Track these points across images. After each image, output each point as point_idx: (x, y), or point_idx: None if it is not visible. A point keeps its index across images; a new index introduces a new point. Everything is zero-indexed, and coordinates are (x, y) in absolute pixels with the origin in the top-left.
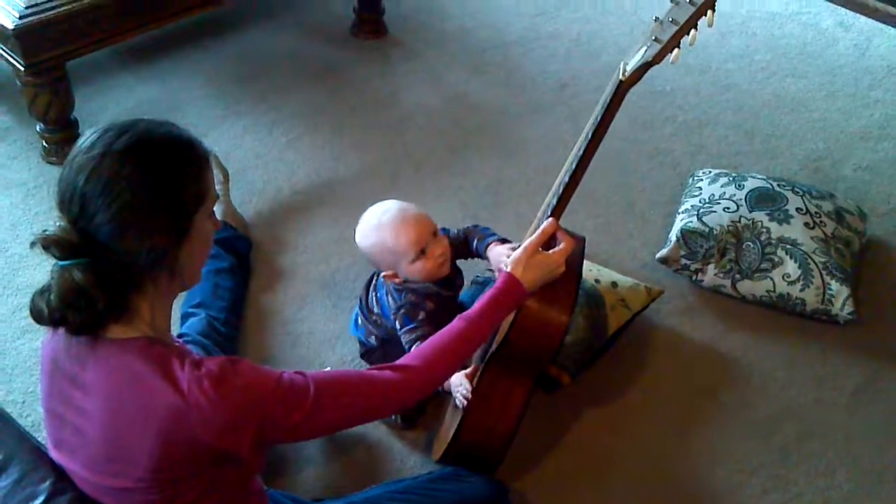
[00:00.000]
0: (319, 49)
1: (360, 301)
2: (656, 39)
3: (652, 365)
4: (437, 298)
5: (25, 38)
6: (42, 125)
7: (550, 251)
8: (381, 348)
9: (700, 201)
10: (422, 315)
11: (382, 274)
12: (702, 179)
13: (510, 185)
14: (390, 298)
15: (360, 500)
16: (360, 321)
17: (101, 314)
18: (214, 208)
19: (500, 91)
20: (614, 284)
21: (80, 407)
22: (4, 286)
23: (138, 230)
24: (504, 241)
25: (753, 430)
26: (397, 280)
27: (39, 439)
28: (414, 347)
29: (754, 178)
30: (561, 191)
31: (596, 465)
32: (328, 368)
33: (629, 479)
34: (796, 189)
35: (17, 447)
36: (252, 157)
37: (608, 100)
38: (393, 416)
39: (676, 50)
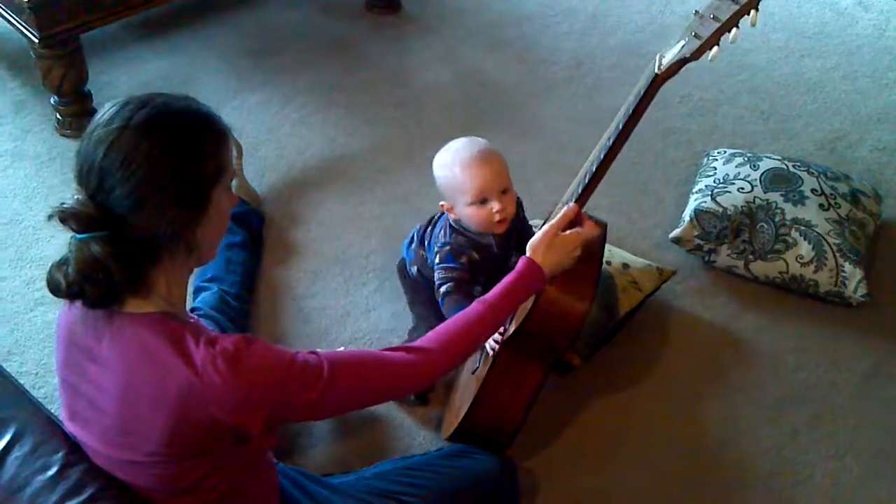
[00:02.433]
0: (333, 24)
1: (419, 228)
2: (696, 35)
3: (663, 345)
4: (485, 252)
5: (40, 10)
6: (56, 98)
7: (568, 231)
8: (413, 291)
9: (714, 181)
10: (464, 259)
11: (440, 203)
12: (716, 159)
13: (524, 163)
14: (443, 232)
15: (370, 476)
16: (412, 246)
17: (119, 288)
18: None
19: (514, 68)
20: (626, 266)
21: (95, 380)
22: (19, 258)
23: (157, 204)
24: None
25: (764, 411)
26: (452, 214)
27: (53, 411)
28: (445, 287)
29: (769, 158)
30: (587, 179)
31: (605, 444)
32: (342, 349)
33: (638, 459)
34: (811, 170)
35: (30, 418)
36: (265, 133)
37: (642, 92)
38: None
39: (716, 48)
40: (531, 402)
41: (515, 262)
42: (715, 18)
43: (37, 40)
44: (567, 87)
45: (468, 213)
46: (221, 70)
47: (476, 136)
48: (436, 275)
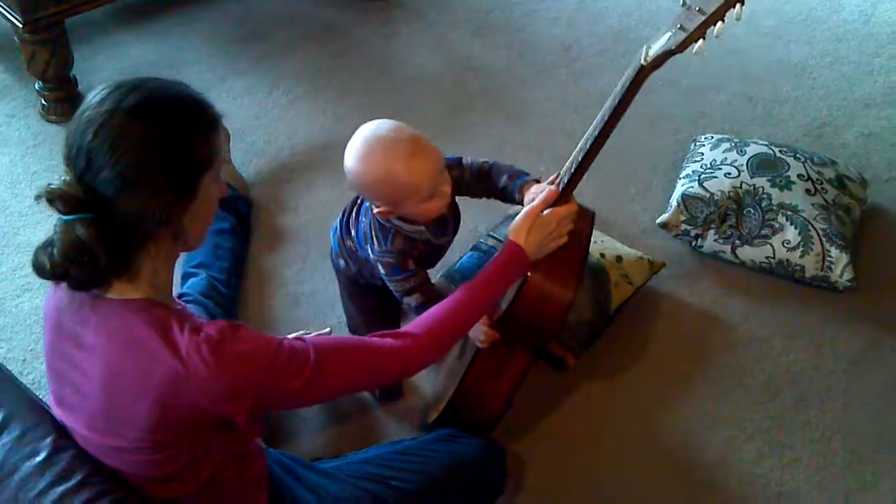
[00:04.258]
0: (321, 10)
1: (343, 214)
2: (682, 27)
3: (650, 330)
4: (423, 245)
5: None
6: (41, 83)
7: (547, 212)
8: (343, 285)
9: (701, 167)
10: (411, 263)
11: (377, 210)
12: (703, 145)
13: (513, 149)
14: (374, 234)
15: (359, 460)
16: (338, 234)
17: (103, 271)
18: None
19: (503, 53)
20: (619, 259)
21: (81, 366)
22: (4, 244)
23: (144, 189)
24: (538, 181)
25: (751, 395)
26: (392, 215)
27: (41, 397)
28: (410, 300)
29: (756, 143)
30: (574, 169)
31: (592, 429)
32: (328, 329)
33: (625, 444)
34: (798, 155)
35: (18, 405)
36: (252, 118)
37: (627, 82)
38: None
39: (701, 41)
40: (515, 388)
41: (449, 243)
42: (701, 11)
43: (21, 25)
44: (555, 72)
45: (421, 211)
46: (208, 55)
47: (378, 120)
48: (392, 287)
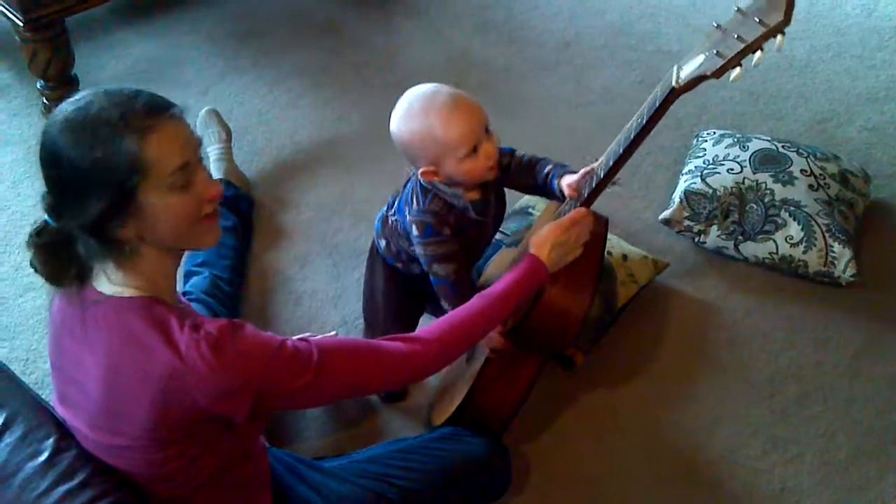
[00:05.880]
0: (321, 6)
1: (393, 196)
2: (718, 53)
3: (653, 326)
4: (462, 218)
5: None
6: (42, 82)
7: (562, 218)
8: (375, 275)
9: (704, 162)
10: (447, 229)
11: (421, 171)
12: (706, 140)
13: (513, 145)
14: (414, 195)
15: (362, 459)
16: (380, 218)
17: (55, 274)
18: (215, 167)
19: (503, 49)
20: (624, 257)
21: (82, 363)
22: (7, 244)
23: (70, 201)
24: (574, 172)
25: (754, 391)
26: (437, 178)
27: (43, 397)
28: (440, 269)
29: (759, 139)
30: (595, 184)
31: (596, 426)
32: (334, 333)
33: (629, 441)
34: (801, 151)
35: (21, 404)
36: (254, 115)
37: (657, 103)
38: None
39: (739, 69)
40: (525, 397)
41: (492, 233)
42: (740, 38)
43: (21, 24)
44: (555, 67)
45: (462, 169)
46: (209, 53)
47: (430, 84)
48: (418, 251)
